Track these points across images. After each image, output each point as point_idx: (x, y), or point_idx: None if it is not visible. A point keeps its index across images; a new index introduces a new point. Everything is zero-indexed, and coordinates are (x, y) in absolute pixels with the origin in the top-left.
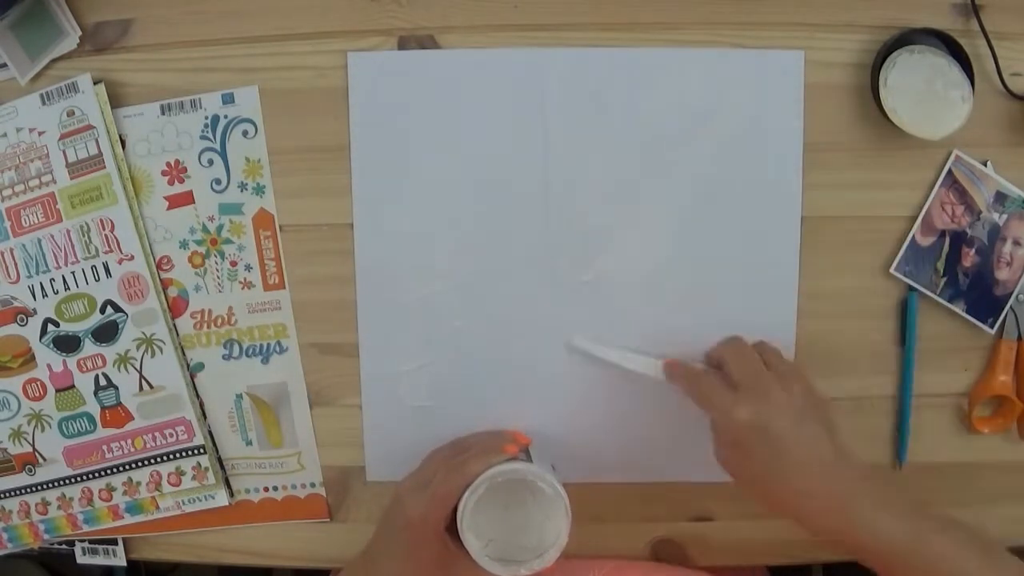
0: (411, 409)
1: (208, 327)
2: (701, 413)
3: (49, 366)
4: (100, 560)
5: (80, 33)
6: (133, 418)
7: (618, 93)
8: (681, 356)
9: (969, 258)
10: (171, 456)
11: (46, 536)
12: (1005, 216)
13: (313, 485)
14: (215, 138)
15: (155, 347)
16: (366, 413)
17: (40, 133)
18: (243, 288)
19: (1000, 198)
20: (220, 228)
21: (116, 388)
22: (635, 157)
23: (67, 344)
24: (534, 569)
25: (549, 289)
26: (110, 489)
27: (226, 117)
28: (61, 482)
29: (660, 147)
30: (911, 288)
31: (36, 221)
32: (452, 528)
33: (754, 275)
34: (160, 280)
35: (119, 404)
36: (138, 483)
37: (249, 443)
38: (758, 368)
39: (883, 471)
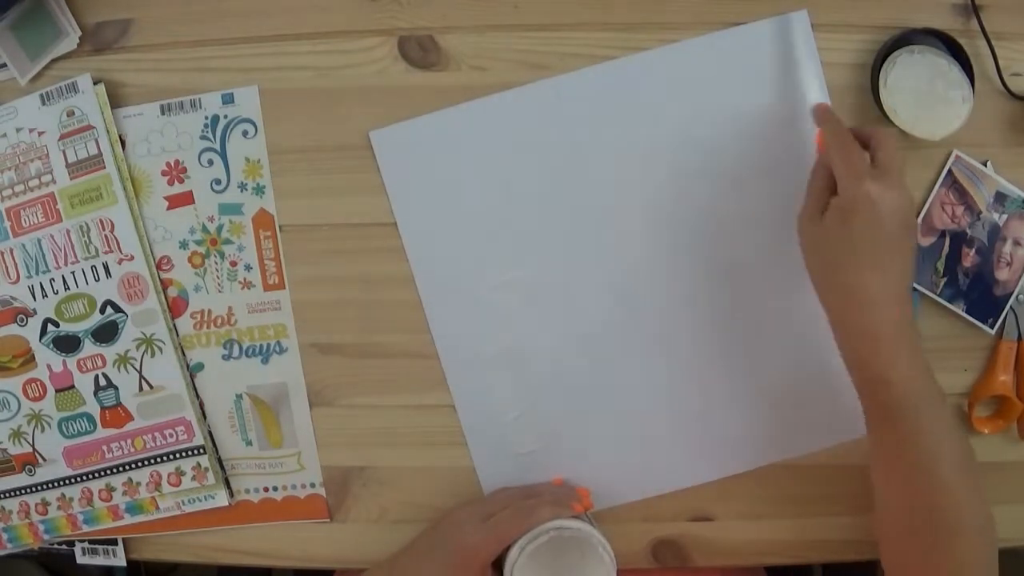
0: (520, 456)
1: (208, 327)
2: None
3: (49, 366)
4: (100, 560)
5: (80, 33)
6: (133, 418)
7: (640, 100)
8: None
9: (969, 258)
10: (171, 456)
11: (46, 536)
12: (1005, 216)
13: (313, 485)
14: (215, 138)
15: (155, 347)
16: (478, 466)
17: (40, 133)
18: (243, 288)
19: (1000, 198)
20: (220, 228)
21: (116, 388)
22: (675, 156)
23: (67, 344)
24: None
25: (623, 316)
26: (110, 489)
27: (226, 117)
28: (61, 482)
29: (698, 139)
30: (911, 288)
31: (36, 221)
32: (495, 564)
33: None
34: (160, 280)
35: (119, 404)
36: (138, 483)
37: (249, 443)
38: (901, 165)
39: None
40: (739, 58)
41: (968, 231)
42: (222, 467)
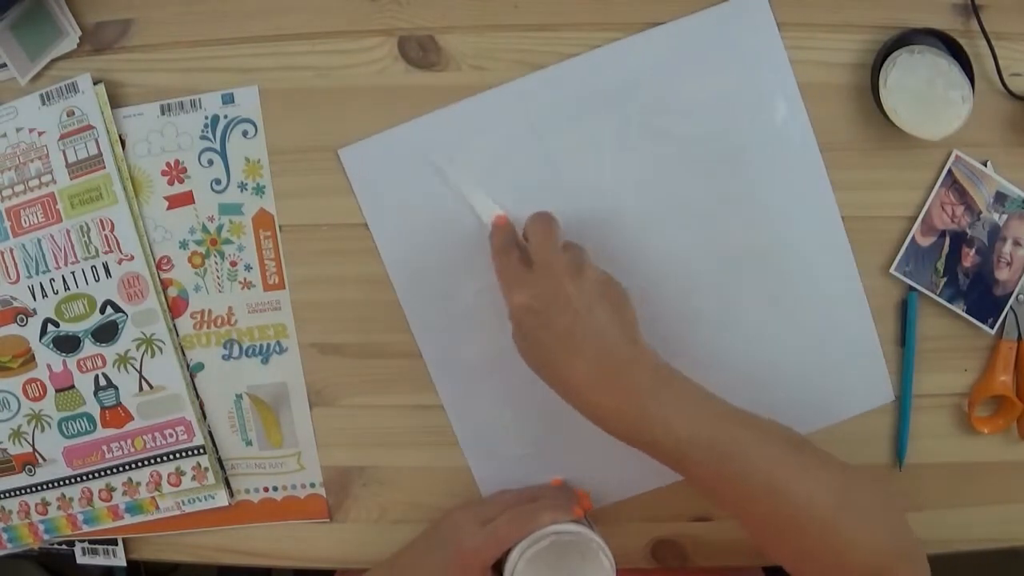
0: (517, 458)
1: (208, 327)
2: None
3: (49, 366)
4: (100, 560)
5: (80, 33)
6: (133, 418)
7: (605, 94)
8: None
9: (969, 258)
10: (171, 456)
11: (46, 536)
12: (1005, 216)
13: (313, 485)
14: (215, 138)
15: (155, 347)
16: (474, 469)
17: (40, 133)
18: (243, 288)
19: (1000, 198)
20: (220, 228)
21: (116, 388)
22: (639, 149)
23: (67, 344)
24: None
25: None
26: (110, 489)
27: (226, 117)
28: (61, 482)
29: (661, 134)
30: (911, 288)
31: (36, 221)
32: (495, 567)
33: (790, 205)
34: (160, 280)
35: (119, 404)
36: (138, 483)
37: (249, 443)
38: (553, 250)
39: (670, 369)
40: (702, 43)
41: (968, 231)
42: (222, 467)
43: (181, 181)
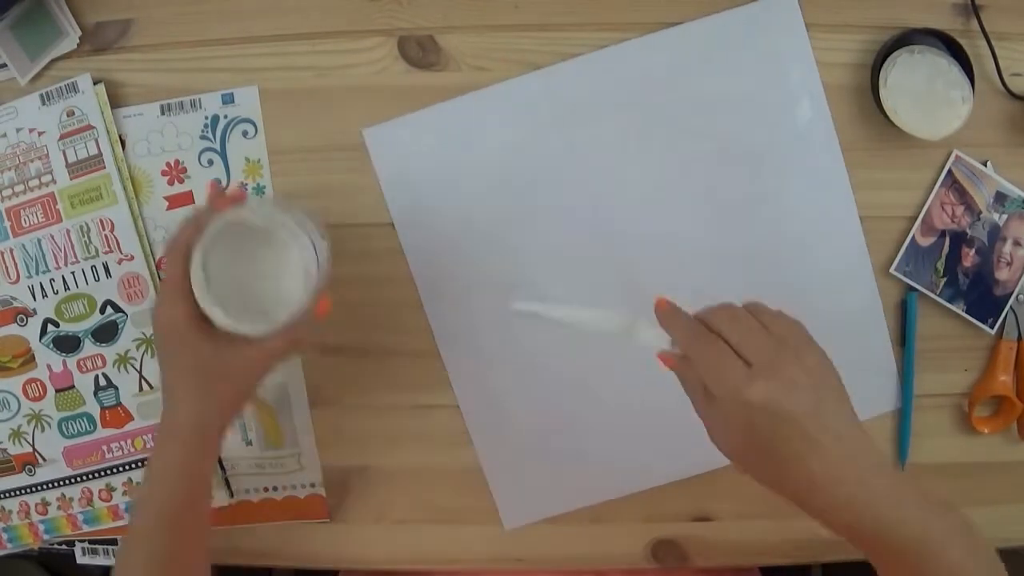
0: (527, 454)
1: None
2: None
3: (49, 366)
4: (100, 560)
5: (80, 33)
6: (133, 418)
7: (631, 88)
8: None
9: (969, 258)
10: None
11: (46, 536)
12: (1005, 216)
13: (313, 485)
14: (215, 138)
15: (155, 347)
16: (487, 469)
17: (40, 133)
18: None
19: (1000, 198)
20: None
21: (116, 388)
22: (662, 146)
23: (67, 344)
24: (260, 330)
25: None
26: (110, 489)
27: (226, 117)
28: (61, 482)
29: (685, 131)
30: (911, 288)
31: (36, 221)
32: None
33: (812, 217)
34: (160, 280)
35: (119, 404)
36: (138, 483)
37: (249, 443)
38: (765, 339)
39: (888, 459)
40: (728, 42)
41: (968, 231)
42: (222, 467)
43: (181, 181)
